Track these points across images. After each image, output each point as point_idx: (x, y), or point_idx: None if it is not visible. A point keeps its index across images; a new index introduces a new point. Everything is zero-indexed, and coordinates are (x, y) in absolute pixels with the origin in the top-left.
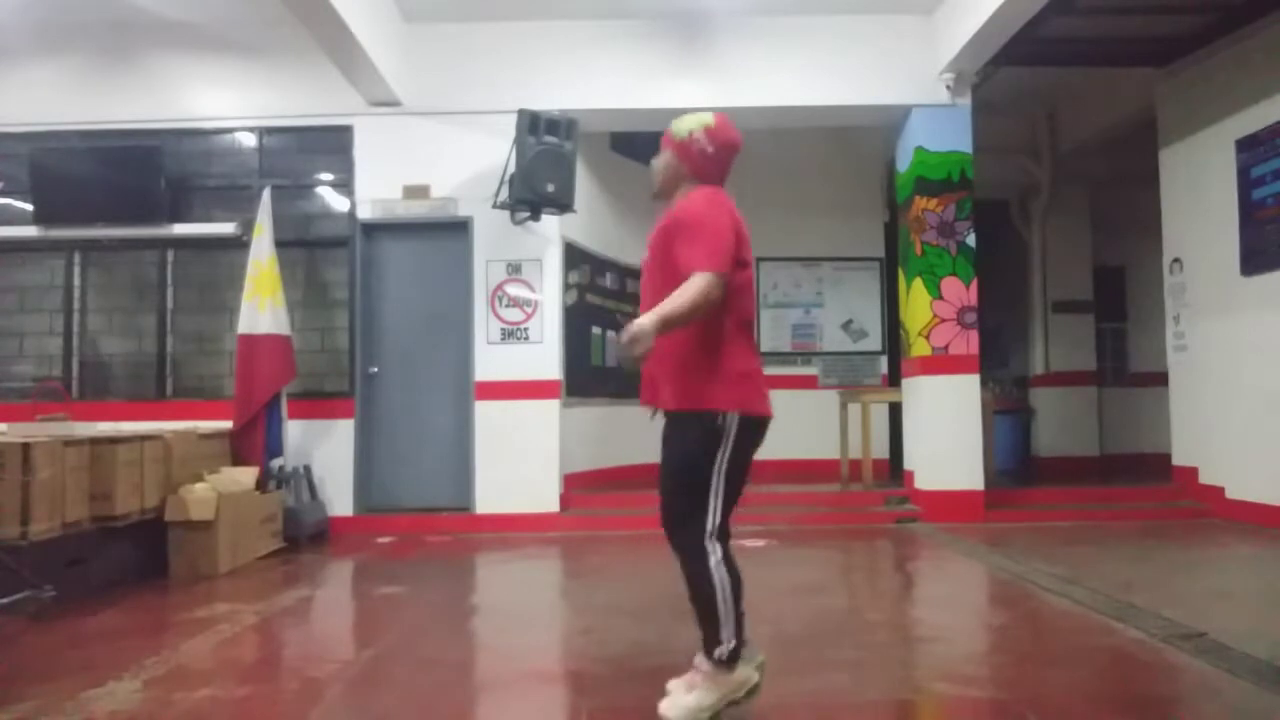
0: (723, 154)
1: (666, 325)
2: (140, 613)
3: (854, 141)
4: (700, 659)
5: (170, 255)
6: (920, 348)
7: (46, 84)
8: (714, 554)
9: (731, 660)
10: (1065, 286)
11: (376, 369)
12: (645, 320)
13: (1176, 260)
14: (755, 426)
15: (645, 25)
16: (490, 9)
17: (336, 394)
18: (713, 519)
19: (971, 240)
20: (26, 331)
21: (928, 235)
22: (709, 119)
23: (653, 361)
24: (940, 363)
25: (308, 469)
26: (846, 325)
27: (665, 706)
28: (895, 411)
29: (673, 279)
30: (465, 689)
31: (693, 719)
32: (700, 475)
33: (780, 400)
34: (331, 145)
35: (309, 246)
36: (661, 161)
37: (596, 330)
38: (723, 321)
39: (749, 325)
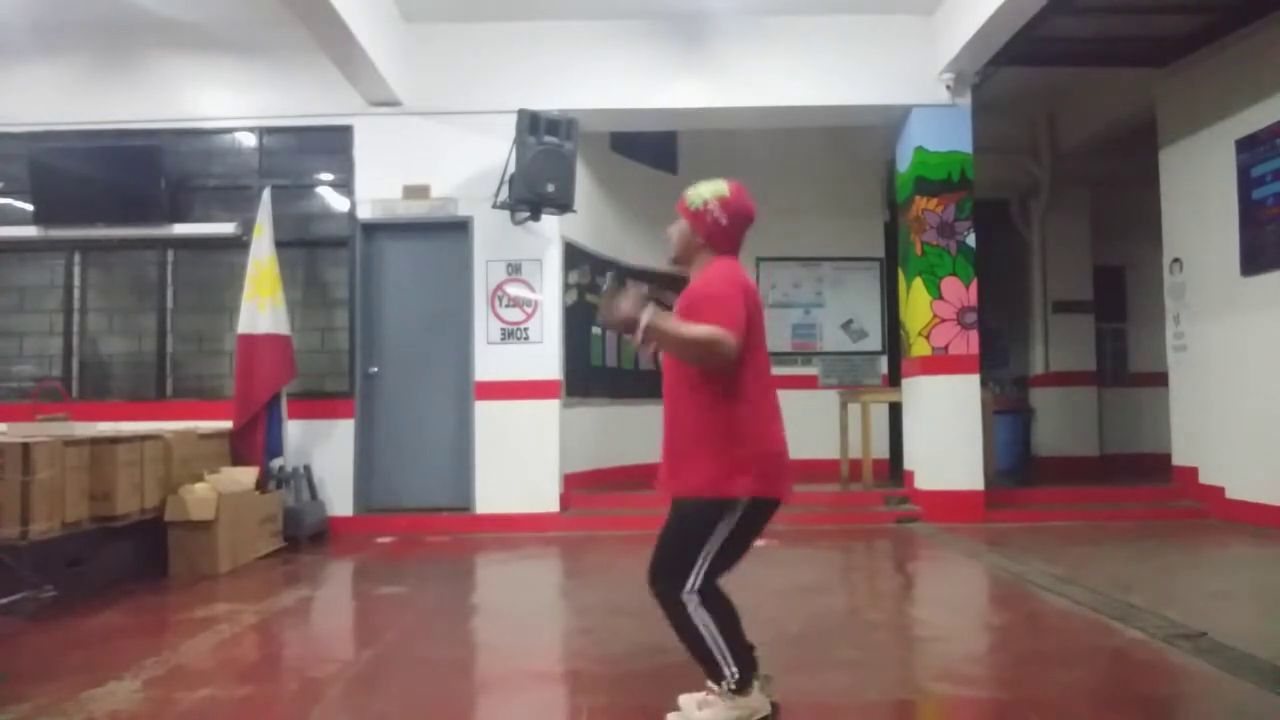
0: (736, 224)
1: (666, 335)
2: (140, 613)
3: (854, 141)
4: (711, 685)
5: (170, 255)
6: (920, 348)
7: (46, 84)
8: (690, 603)
9: (742, 687)
10: (1065, 286)
11: (376, 369)
12: (655, 315)
13: (1176, 260)
14: (767, 506)
15: (645, 25)
16: (490, 9)
17: (336, 394)
18: (693, 580)
19: (971, 240)
20: (26, 331)
21: (928, 235)
22: (723, 189)
23: (670, 439)
24: (940, 363)
25: (308, 469)
26: (846, 325)
27: (675, 718)
28: (895, 411)
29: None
30: (465, 689)
31: None
32: (695, 542)
33: (780, 400)
34: (331, 145)
35: (309, 246)
36: (677, 230)
37: (596, 330)
38: (743, 397)
39: (774, 400)
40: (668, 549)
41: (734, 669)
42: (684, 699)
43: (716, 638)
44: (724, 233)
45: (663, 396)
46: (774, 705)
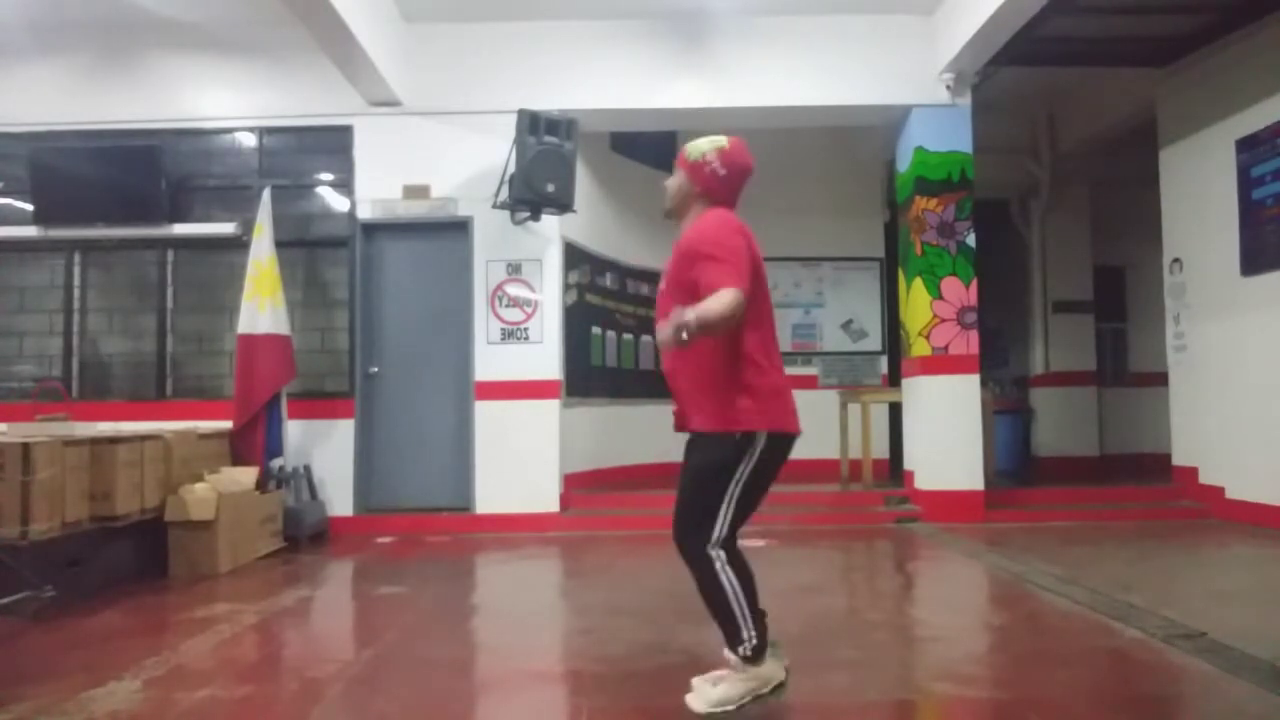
0: (734, 176)
1: (704, 327)
2: (140, 613)
3: (854, 141)
4: (728, 653)
5: (170, 255)
6: (920, 348)
7: (46, 84)
8: (718, 559)
9: (757, 655)
10: (1065, 286)
11: (376, 369)
12: (689, 314)
13: (1176, 260)
14: (782, 443)
15: (645, 25)
16: (490, 9)
17: (336, 394)
18: (719, 530)
19: (971, 240)
20: (26, 331)
21: (928, 235)
22: (723, 141)
23: (679, 386)
24: (940, 363)
25: (308, 469)
26: (846, 325)
27: (691, 698)
28: (895, 411)
29: (691, 303)
30: (465, 689)
31: (718, 709)
32: (717, 487)
33: None
34: (331, 145)
35: (309, 246)
36: (674, 182)
37: (596, 330)
38: (747, 340)
39: (774, 341)
40: (691, 497)
41: (753, 632)
42: (696, 680)
43: (740, 598)
44: (721, 183)
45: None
46: (787, 670)
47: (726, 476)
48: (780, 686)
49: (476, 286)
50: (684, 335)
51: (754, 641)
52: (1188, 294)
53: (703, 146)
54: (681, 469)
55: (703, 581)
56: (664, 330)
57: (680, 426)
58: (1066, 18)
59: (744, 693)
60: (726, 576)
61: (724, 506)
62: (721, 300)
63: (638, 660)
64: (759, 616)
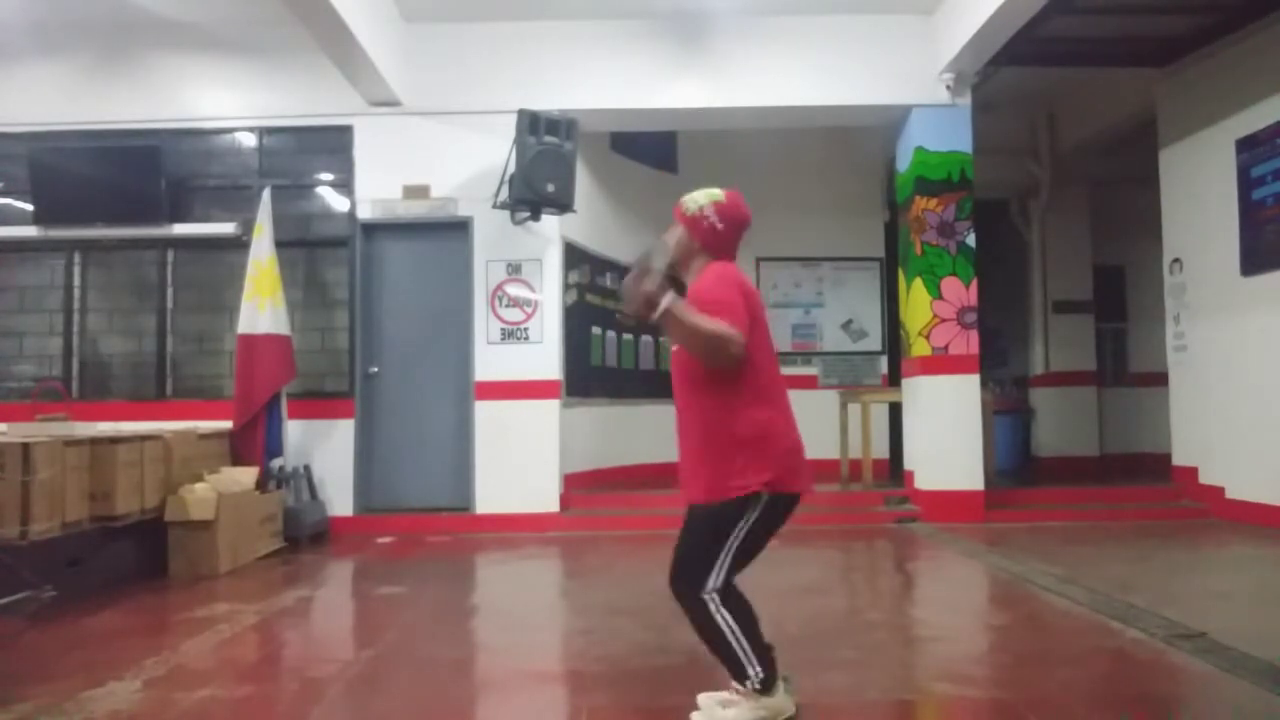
0: (731, 229)
1: (682, 323)
2: (140, 613)
3: (854, 141)
4: (736, 685)
5: (170, 255)
6: (920, 348)
7: (46, 84)
8: (712, 602)
9: (767, 687)
10: (1065, 286)
11: (376, 369)
12: (671, 300)
13: (1176, 260)
14: (786, 502)
15: (645, 25)
16: (490, 9)
17: (336, 394)
18: (715, 579)
19: (971, 240)
20: (26, 331)
21: (928, 235)
22: (719, 195)
23: (688, 443)
24: (940, 363)
25: (308, 469)
26: (846, 325)
27: (699, 717)
28: (895, 411)
29: (698, 362)
30: (465, 689)
31: None
32: (716, 542)
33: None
34: (331, 145)
35: (309, 246)
36: (674, 236)
37: (596, 330)
38: (749, 397)
39: (783, 398)
40: (689, 549)
41: (758, 668)
42: (703, 698)
43: (739, 636)
44: (720, 237)
45: (674, 397)
46: (797, 706)
47: (727, 531)
48: None
49: (476, 286)
50: (654, 309)
51: (760, 675)
52: (1188, 294)
53: (699, 200)
54: (685, 517)
55: (697, 625)
56: (632, 280)
57: (686, 495)
58: (1066, 18)
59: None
60: (722, 617)
61: (722, 558)
62: (714, 323)
63: (638, 660)
64: (764, 651)
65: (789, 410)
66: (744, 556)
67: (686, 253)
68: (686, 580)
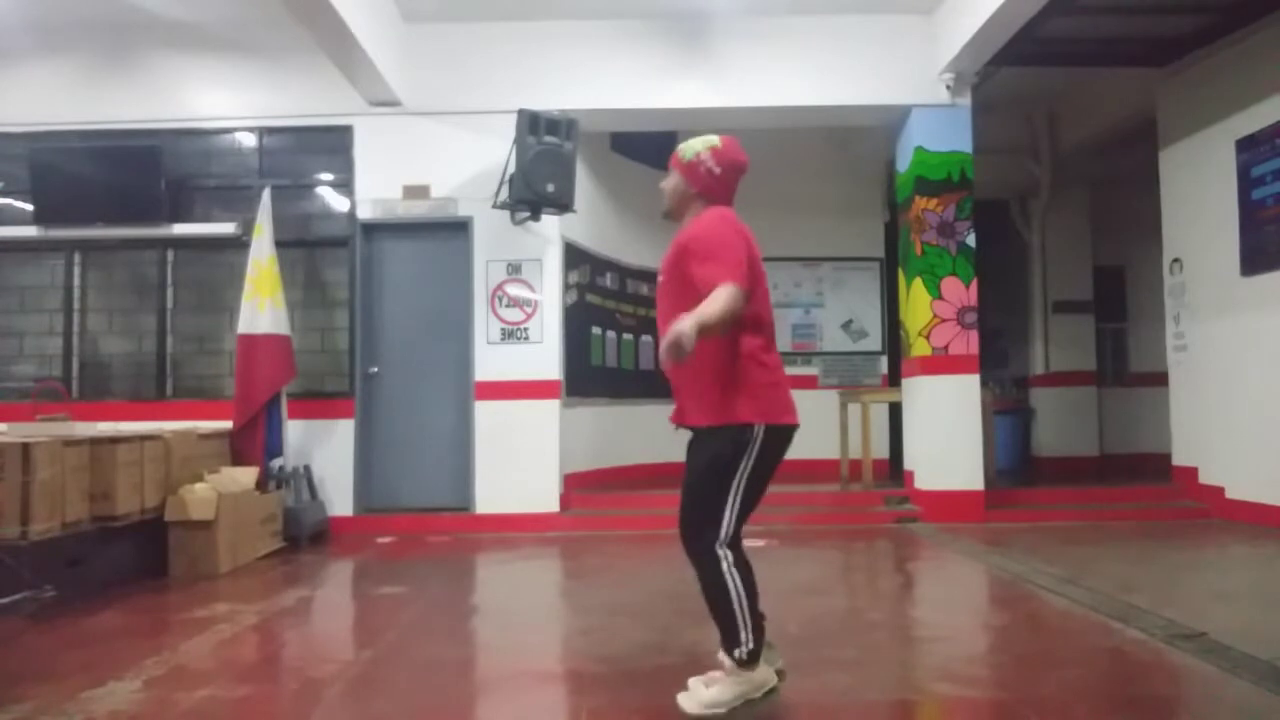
0: (729, 174)
1: (703, 331)
2: (140, 613)
3: (854, 141)
4: (723, 655)
5: (170, 255)
6: (920, 348)
7: (46, 84)
8: (725, 559)
9: (752, 660)
10: (1065, 286)
11: (376, 369)
12: (685, 323)
13: (1176, 260)
14: (781, 435)
15: (645, 25)
16: (490, 9)
17: (336, 394)
18: (726, 528)
19: (971, 240)
20: (26, 331)
21: (928, 235)
22: (715, 140)
23: (679, 381)
24: (940, 363)
25: (308, 469)
26: (846, 325)
27: (683, 698)
28: (895, 411)
29: (690, 299)
30: (465, 689)
31: (708, 711)
32: (721, 484)
33: None
34: (331, 145)
35: (309, 246)
36: (670, 183)
37: (596, 330)
38: (745, 336)
39: (770, 336)
40: (697, 495)
41: (749, 637)
42: (692, 680)
43: (742, 600)
44: (717, 182)
45: (661, 334)
46: (779, 673)
47: (729, 473)
48: (772, 691)
49: (476, 286)
50: (684, 347)
51: (750, 646)
52: (1188, 294)
53: (695, 146)
54: (685, 470)
55: (707, 580)
56: (664, 348)
57: (679, 420)
58: (1066, 18)
59: (735, 695)
60: (732, 578)
61: (729, 503)
62: (719, 298)
63: (638, 660)
64: (758, 620)
65: (776, 351)
66: (749, 500)
67: (683, 199)
68: (699, 532)
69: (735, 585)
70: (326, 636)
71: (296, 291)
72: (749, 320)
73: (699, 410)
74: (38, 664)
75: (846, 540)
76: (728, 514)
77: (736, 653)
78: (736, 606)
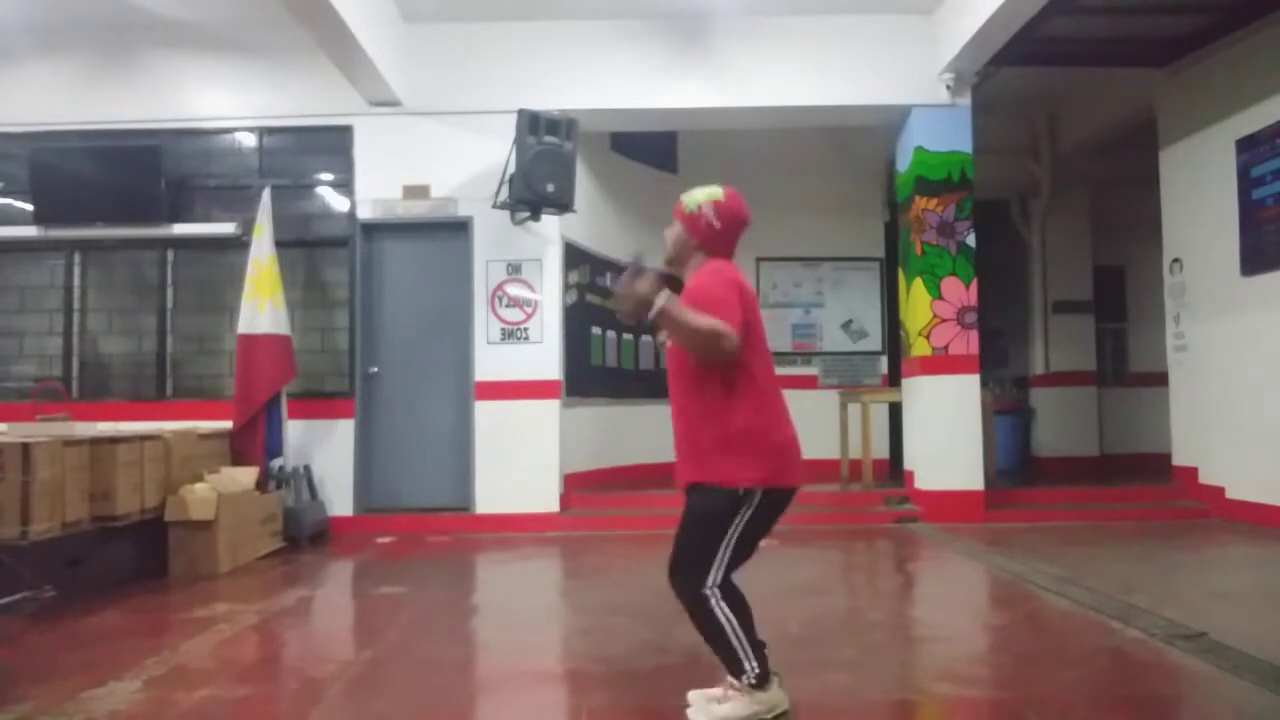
0: (729, 228)
1: (676, 320)
2: (140, 613)
3: (854, 141)
4: (731, 680)
5: (170, 255)
6: (920, 348)
7: (46, 84)
8: (713, 597)
9: (762, 682)
10: (1065, 286)
11: (376, 369)
12: (661, 297)
13: (1176, 260)
14: (781, 496)
15: (645, 25)
16: (490, 9)
17: (336, 394)
18: (714, 574)
19: (971, 240)
20: (26, 331)
21: (928, 235)
22: (718, 193)
23: (680, 438)
24: (940, 363)
25: (308, 469)
26: (846, 325)
27: (694, 713)
28: (895, 411)
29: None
30: (465, 689)
31: None
32: (714, 535)
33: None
34: (331, 145)
35: (309, 246)
36: (672, 233)
37: (596, 330)
38: (746, 394)
39: (777, 394)
40: (688, 544)
41: (754, 663)
42: (694, 695)
43: (738, 632)
44: (718, 236)
45: (669, 396)
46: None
47: (724, 526)
48: (784, 715)
49: (476, 286)
50: (643, 298)
51: (757, 670)
52: (1188, 294)
53: (698, 197)
54: (681, 515)
55: (698, 620)
56: (624, 281)
57: (681, 476)
58: (1066, 18)
59: (748, 715)
60: (721, 612)
61: (720, 553)
62: (707, 320)
63: (638, 660)
64: (759, 647)
65: (783, 406)
66: (741, 552)
67: (684, 250)
68: (686, 577)
69: (727, 618)
70: (326, 636)
71: (296, 291)
72: (748, 378)
73: (698, 466)
74: (38, 664)
75: (846, 540)
76: (717, 563)
77: (744, 678)
78: (732, 638)
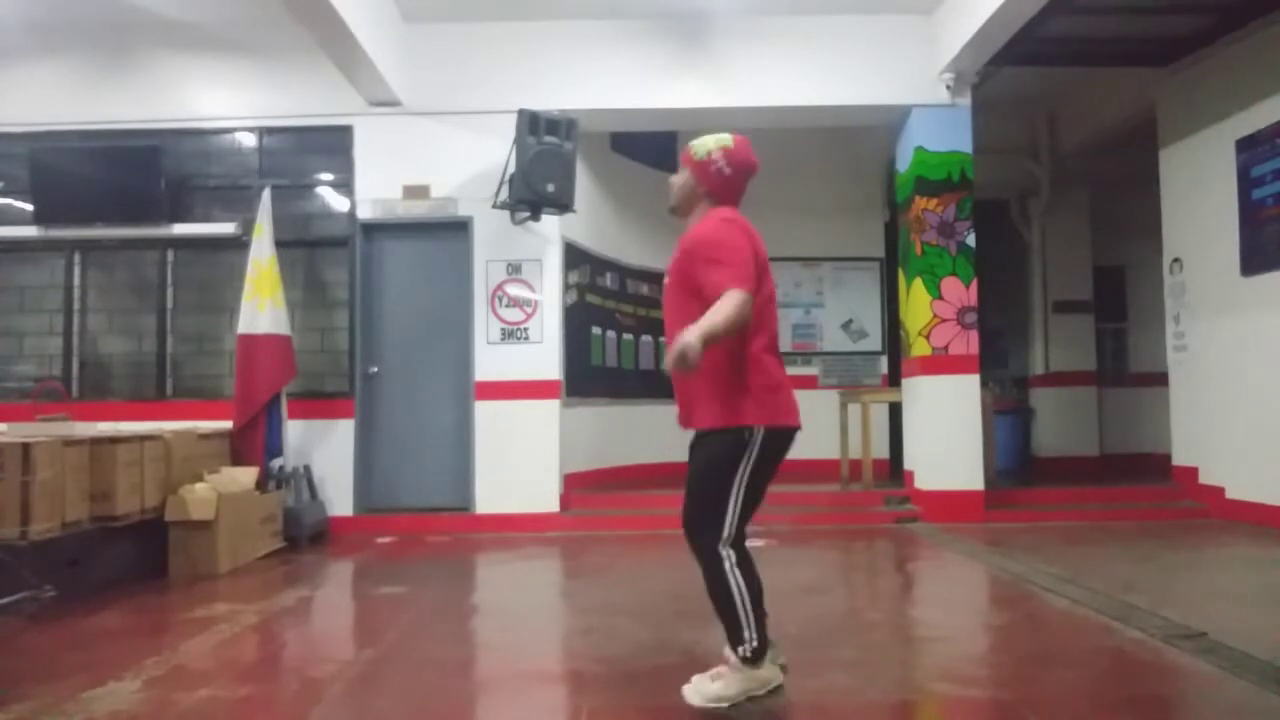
0: (739, 175)
1: (709, 340)
2: (140, 613)
3: (854, 141)
4: (728, 651)
5: (170, 255)
6: (920, 348)
7: (46, 84)
8: (728, 560)
9: (757, 657)
10: (1065, 286)
11: (376, 369)
12: (691, 334)
13: (1176, 260)
14: (782, 437)
15: (645, 25)
16: (490, 9)
17: (336, 394)
18: (729, 528)
19: (971, 240)
20: (26, 331)
21: (928, 235)
22: (728, 140)
23: (680, 383)
24: (940, 363)
25: (308, 469)
26: (846, 325)
27: (688, 690)
28: (895, 411)
29: (695, 301)
30: (465, 689)
31: (712, 704)
32: (722, 484)
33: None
34: (331, 145)
35: (309, 246)
36: (679, 180)
37: (596, 330)
38: (749, 339)
39: (774, 340)
40: (700, 494)
41: (754, 635)
42: (697, 677)
43: (745, 599)
44: (727, 182)
45: (666, 339)
46: (782, 667)
47: (730, 474)
48: (777, 689)
49: (476, 286)
50: (689, 359)
51: (754, 644)
52: (1188, 294)
53: (708, 144)
54: (688, 469)
55: (711, 579)
56: (671, 359)
57: (684, 423)
58: (1066, 18)
59: (740, 692)
60: (734, 577)
61: (730, 503)
62: (726, 306)
63: (638, 660)
64: (761, 619)
65: (777, 349)
66: (750, 500)
67: (690, 198)
68: (703, 529)
69: (738, 585)
70: (326, 636)
71: (296, 291)
72: (754, 324)
73: (700, 412)
74: (38, 664)
75: (846, 540)
76: (729, 514)
77: (741, 650)
78: (739, 605)
